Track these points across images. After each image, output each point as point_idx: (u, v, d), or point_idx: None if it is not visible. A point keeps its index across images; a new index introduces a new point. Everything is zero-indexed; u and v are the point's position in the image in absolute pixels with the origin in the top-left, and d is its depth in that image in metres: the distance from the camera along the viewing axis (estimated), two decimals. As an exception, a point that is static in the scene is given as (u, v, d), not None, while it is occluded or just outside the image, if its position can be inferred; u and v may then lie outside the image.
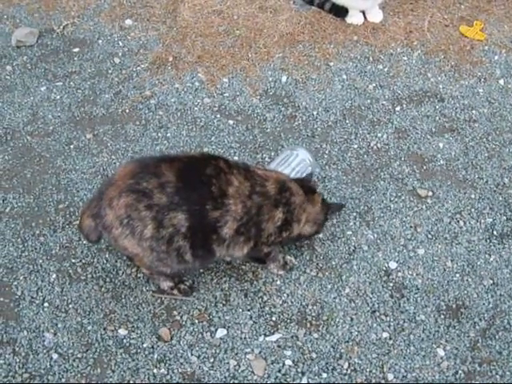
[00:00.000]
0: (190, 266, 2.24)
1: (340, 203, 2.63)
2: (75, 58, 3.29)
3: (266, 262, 2.40)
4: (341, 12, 3.48)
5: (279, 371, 2.22)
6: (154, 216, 2.08)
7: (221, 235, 2.17)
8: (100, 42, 3.38)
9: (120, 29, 3.45)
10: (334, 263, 2.50)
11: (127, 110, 3.04)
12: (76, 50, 3.34)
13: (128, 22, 3.49)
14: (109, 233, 2.14)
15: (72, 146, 2.89)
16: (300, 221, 2.34)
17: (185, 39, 3.38)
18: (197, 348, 2.27)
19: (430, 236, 2.59)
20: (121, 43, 3.37)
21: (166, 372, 2.21)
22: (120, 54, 3.31)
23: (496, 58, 3.32)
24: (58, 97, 3.10)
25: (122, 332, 2.29)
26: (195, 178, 2.14)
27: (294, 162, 2.63)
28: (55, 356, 2.23)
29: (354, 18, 3.47)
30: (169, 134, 2.94)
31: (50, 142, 2.90)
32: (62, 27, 3.45)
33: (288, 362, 2.24)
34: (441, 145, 2.92)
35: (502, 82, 3.21)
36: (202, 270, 2.44)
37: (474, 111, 3.07)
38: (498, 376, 2.23)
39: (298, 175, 2.57)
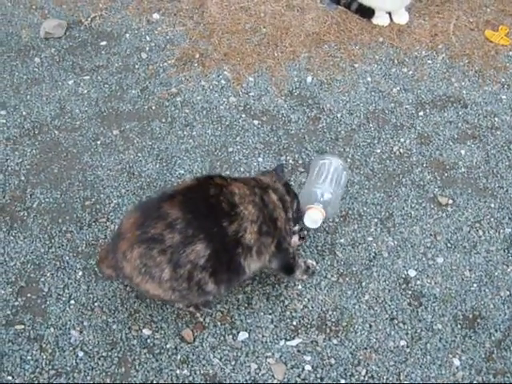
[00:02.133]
0: (214, 295, 2.28)
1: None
2: (103, 52, 3.33)
3: (295, 271, 2.44)
4: (367, 13, 3.49)
5: (299, 376, 2.28)
6: (169, 258, 2.11)
7: (245, 244, 2.20)
8: (127, 35, 3.41)
9: (147, 23, 3.48)
10: (354, 269, 2.55)
11: (153, 107, 3.08)
12: (103, 43, 3.38)
13: (155, 16, 3.51)
14: (130, 281, 2.20)
15: (99, 142, 2.93)
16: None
17: (211, 35, 3.41)
18: (219, 350, 2.32)
19: (449, 245, 2.63)
20: (148, 38, 3.41)
21: (188, 373, 2.27)
22: (147, 49, 3.35)
23: (520, 64, 3.34)
24: (86, 91, 3.14)
25: (146, 332, 2.35)
26: (202, 203, 2.17)
27: (331, 171, 2.66)
28: (81, 354, 2.29)
29: (380, 19, 3.48)
30: (194, 133, 2.98)
31: (76, 137, 2.95)
32: (89, 19, 3.48)
33: (307, 367, 2.30)
34: (462, 152, 2.95)
35: (525, 88, 3.23)
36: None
37: (496, 118, 3.09)
38: (512, 388, 2.28)
39: (337, 183, 2.63)
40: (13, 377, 2.24)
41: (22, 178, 2.78)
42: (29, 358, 2.28)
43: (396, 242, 2.63)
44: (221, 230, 2.15)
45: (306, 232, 2.58)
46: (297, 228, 2.54)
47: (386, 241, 2.63)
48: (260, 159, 2.87)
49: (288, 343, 2.35)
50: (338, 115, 3.07)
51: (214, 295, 2.30)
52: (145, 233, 2.12)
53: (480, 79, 3.26)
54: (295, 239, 2.54)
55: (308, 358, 2.32)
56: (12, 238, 2.59)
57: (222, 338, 2.35)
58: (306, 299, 2.45)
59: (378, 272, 2.54)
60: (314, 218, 2.54)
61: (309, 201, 2.57)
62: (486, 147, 2.98)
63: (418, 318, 2.43)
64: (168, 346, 2.33)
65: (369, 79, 3.24)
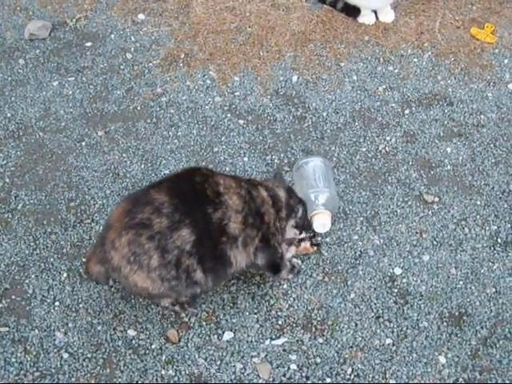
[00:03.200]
0: (202, 287, 2.27)
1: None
2: (88, 53, 3.32)
3: (281, 270, 2.44)
4: (353, 11, 3.49)
5: (284, 375, 2.27)
6: (157, 244, 2.12)
7: (230, 233, 2.21)
8: (112, 36, 3.41)
9: (132, 23, 3.47)
10: (340, 268, 2.54)
11: (138, 108, 3.07)
12: (88, 44, 3.37)
13: (140, 16, 3.51)
14: (118, 273, 2.19)
15: (84, 143, 2.92)
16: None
17: (197, 35, 3.40)
18: (204, 350, 2.32)
19: (435, 242, 2.63)
20: (133, 38, 3.40)
21: (173, 373, 2.26)
22: (132, 50, 3.34)
23: (506, 61, 3.34)
24: (70, 92, 3.13)
25: (131, 333, 2.34)
26: (188, 189, 2.19)
27: (316, 170, 2.66)
28: (66, 355, 2.29)
29: (366, 18, 3.48)
30: (179, 133, 2.97)
31: (61, 139, 2.94)
32: (74, 20, 3.47)
33: (293, 367, 2.29)
34: (448, 150, 2.95)
35: (511, 86, 3.23)
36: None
37: (482, 116, 3.09)
38: (497, 385, 2.28)
39: (327, 180, 2.64)
40: (-3, 379, 2.23)
41: (7, 180, 2.77)
42: (13, 360, 2.27)
43: (382, 241, 2.63)
44: (205, 216, 2.16)
45: (319, 238, 2.57)
46: (306, 235, 2.53)
47: (372, 239, 2.63)
48: (245, 159, 2.87)
49: (273, 342, 2.34)
50: (324, 114, 3.07)
51: (202, 287, 2.27)
52: (133, 218, 2.13)
53: (466, 77, 3.27)
54: (307, 245, 2.54)
55: (293, 357, 2.31)
56: (-4, 239, 2.58)
57: (207, 337, 2.35)
58: (291, 298, 2.45)
59: (363, 270, 2.54)
60: (322, 222, 2.55)
61: (310, 208, 2.57)
62: (472, 145, 2.98)
63: (404, 316, 2.42)
64: (153, 346, 2.32)
65: (354, 78, 3.24)
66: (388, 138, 2.98)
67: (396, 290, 2.49)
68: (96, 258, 2.23)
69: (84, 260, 2.40)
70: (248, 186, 2.31)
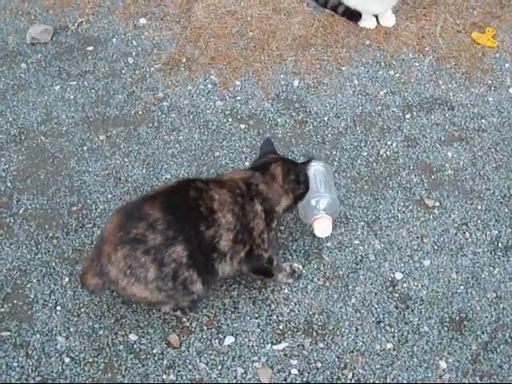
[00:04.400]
0: (199, 295, 2.31)
1: (308, 159, 2.54)
2: (89, 57, 3.33)
3: (274, 274, 2.45)
4: (354, 16, 3.50)
5: (285, 380, 2.28)
6: (154, 258, 2.14)
7: (220, 250, 2.24)
8: (114, 40, 3.41)
9: (134, 27, 3.48)
10: (341, 272, 2.55)
11: (140, 112, 3.08)
12: (90, 48, 3.37)
13: (142, 20, 3.51)
14: (116, 285, 2.21)
15: (85, 148, 2.93)
16: (280, 202, 2.39)
17: (198, 40, 3.41)
18: (205, 355, 2.32)
19: (435, 247, 2.63)
20: (135, 42, 3.40)
21: (174, 378, 2.27)
22: (134, 54, 3.34)
23: (507, 65, 3.34)
24: (72, 96, 3.14)
25: (133, 337, 2.35)
26: (182, 205, 2.20)
27: (322, 175, 2.65)
28: (67, 360, 2.29)
29: (367, 22, 3.49)
30: (181, 137, 2.98)
31: (63, 143, 2.94)
32: (76, 24, 3.48)
33: (294, 371, 2.30)
34: (449, 154, 2.95)
35: (511, 90, 3.23)
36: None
37: (483, 120, 3.10)
38: (498, 390, 2.28)
39: (327, 184, 2.63)
40: (-2, 384, 2.24)
41: (9, 184, 2.78)
42: (15, 364, 2.28)
43: (383, 245, 2.63)
44: (197, 234, 2.18)
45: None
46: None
47: (373, 244, 2.63)
48: (247, 163, 2.87)
49: (274, 347, 2.35)
50: (325, 118, 3.07)
51: (199, 296, 2.31)
52: (127, 233, 2.14)
53: (467, 81, 3.27)
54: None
55: (294, 361, 2.32)
56: (-2, 244, 2.59)
57: (208, 342, 2.35)
58: (292, 303, 2.45)
59: (364, 275, 2.54)
60: (323, 226, 2.54)
61: (311, 213, 2.57)
62: (473, 149, 2.98)
63: (405, 320, 2.43)
64: (154, 351, 2.32)
65: (356, 82, 3.24)
66: (389, 143, 2.99)
67: (397, 295, 2.49)
68: (93, 271, 2.23)
69: (80, 272, 2.39)
70: (243, 201, 2.29)
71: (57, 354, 2.30)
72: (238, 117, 3.07)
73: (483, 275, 2.56)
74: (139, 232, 2.13)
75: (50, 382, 2.24)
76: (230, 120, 3.05)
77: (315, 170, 2.67)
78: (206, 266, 2.23)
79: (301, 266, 2.53)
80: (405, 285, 2.52)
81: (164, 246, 2.14)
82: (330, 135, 3.01)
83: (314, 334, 2.39)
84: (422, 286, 2.52)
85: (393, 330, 2.40)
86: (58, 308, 2.41)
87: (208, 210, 2.20)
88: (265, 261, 2.39)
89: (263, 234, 2.34)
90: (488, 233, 2.69)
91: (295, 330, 2.39)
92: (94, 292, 2.31)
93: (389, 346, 2.37)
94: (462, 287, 2.52)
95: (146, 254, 2.13)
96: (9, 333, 2.35)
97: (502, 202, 2.78)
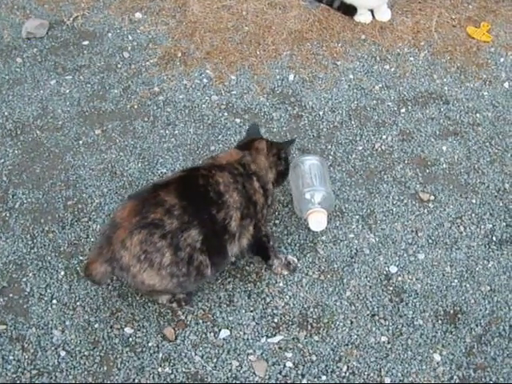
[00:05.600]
0: (207, 280, 2.38)
1: (290, 140, 2.68)
2: (85, 51, 3.33)
3: (270, 256, 2.47)
4: (349, 10, 3.50)
5: (280, 373, 2.29)
6: (170, 243, 2.17)
7: (231, 231, 2.30)
8: (110, 35, 3.41)
9: (129, 22, 3.48)
10: (335, 266, 2.56)
11: (136, 106, 3.08)
12: (86, 42, 3.38)
13: (138, 15, 3.51)
14: (127, 272, 2.20)
15: (81, 142, 2.93)
16: (268, 177, 2.47)
17: (194, 34, 3.41)
18: (200, 348, 2.33)
19: (430, 241, 2.64)
20: (130, 37, 3.41)
21: (170, 371, 2.28)
22: (129, 48, 3.35)
23: (502, 60, 3.35)
24: (68, 91, 3.14)
25: (128, 330, 2.36)
26: (193, 192, 2.26)
27: (313, 169, 2.67)
28: (63, 353, 2.30)
29: (363, 17, 3.49)
30: (176, 132, 2.98)
31: (59, 137, 2.95)
32: (72, 19, 3.48)
33: (289, 364, 2.31)
34: (444, 148, 2.96)
35: (506, 85, 3.24)
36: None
37: (478, 114, 3.11)
38: (491, 382, 2.29)
39: (323, 179, 2.65)
40: (-6, 377, 2.25)
41: (4, 179, 2.78)
42: (11, 357, 2.29)
43: (377, 239, 2.64)
44: (211, 218, 2.25)
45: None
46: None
47: (368, 237, 2.64)
48: (242, 157, 2.88)
49: (269, 340, 2.36)
50: (320, 113, 3.08)
51: (207, 280, 2.38)
52: (144, 218, 2.17)
53: (462, 76, 3.28)
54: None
55: (289, 354, 2.33)
56: (-6, 238, 2.60)
57: (203, 335, 2.36)
58: (287, 296, 2.46)
59: (359, 269, 2.55)
60: (318, 220, 2.55)
61: (305, 207, 2.58)
62: (468, 143, 2.99)
63: (399, 313, 2.44)
64: (150, 344, 2.33)
65: (351, 76, 3.25)
66: (384, 137, 2.99)
67: (391, 288, 2.50)
68: (102, 258, 2.21)
69: (85, 260, 2.39)
70: (243, 179, 2.37)
71: (53, 348, 2.31)
72: (234, 111, 3.08)
73: (477, 268, 2.57)
74: (157, 217, 2.17)
75: (46, 375, 2.25)
76: (225, 114, 3.06)
77: (310, 163, 2.68)
78: (217, 249, 2.29)
79: (296, 259, 2.54)
80: (399, 278, 2.53)
81: (180, 231, 2.18)
82: (325, 129, 3.02)
83: (309, 327, 2.40)
84: (416, 279, 2.53)
85: (387, 323, 2.41)
86: (54, 302, 2.42)
87: (217, 194, 2.27)
88: (263, 233, 2.45)
89: (263, 210, 2.42)
90: (482, 226, 2.70)
91: (290, 323, 2.40)
92: (99, 281, 2.28)
93: (383, 339, 2.38)
94: (456, 280, 2.53)
95: (163, 238, 2.16)
96: (5, 326, 2.36)
97: (496, 196, 2.79)
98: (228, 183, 2.31)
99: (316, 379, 2.28)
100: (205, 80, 3.21)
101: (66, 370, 2.26)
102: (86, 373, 2.26)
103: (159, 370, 2.28)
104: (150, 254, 2.16)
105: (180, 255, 2.19)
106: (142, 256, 2.16)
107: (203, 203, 2.25)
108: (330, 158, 2.90)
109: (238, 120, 3.03)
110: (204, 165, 2.43)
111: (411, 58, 3.35)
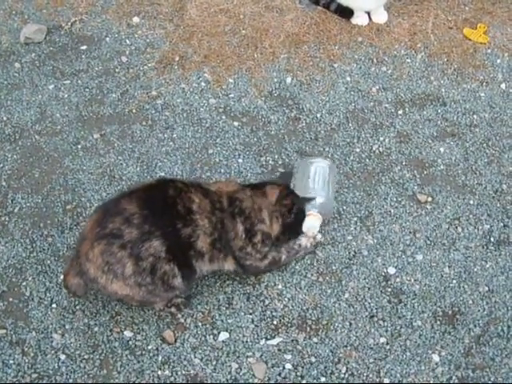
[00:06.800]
0: (179, 290, 2.32)
1: (311, 197, 2.58)
2: (83, 56, 3.34)
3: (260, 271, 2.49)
4: (346, 13, 3.51)
5: (279, 375, 2.30)
6: (130, 253, 2.15)
7: (197, 249, 2.26)
8: (107, 39, 3.43)
9: (127, 26, 3.49)
10: (334, 268, 2.57)
11: (134, 110, 3.10)
12: (84, 47, 3.39)
13: (135, 19, 3.53)
14: (96, 284, 2.22)
15: (79, 146, 2.95)
16: (264, 220, 2.41)
17: (191, 38, 3.42)
18: (200, 350, 2.34)
19: (428, 242, 2.65)
20: (128, 41, 3.42)
21: (169, 374, 2.29)
22: (127, 53, 3.36)
23: (498, 61, 3.36)
24: (66, 95, 3.15)
25: (128, 334, 2.37)
26: (159, 202, 2.22)
27: (321, 172, 2.68)
28: (63, 357, 2.31)
29: (359, 19, 3.51)
30: (175, 135, 3.00)
31: (57, 142, 2.96)
32: (69, 24, 3.49)
33: (288, 366, 2.32)
34: (442, 149, 2.97)
35: (503, 86, 3.25)
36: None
37: (475, 116, 3.12)
38: (490, 382, 2.29)
39: (328, 184, 2.66)
40: (-5, 381, 2.25)
41: (3, 183, 2.79)
42: (11, 361, 2.29)
43: (375, 240, 2.65)
44: (174, 230, 2.20)
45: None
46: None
47: (366, 239, 2.65)
48: (240, 160, 2.89)
49: (268, 342, 2.36)
50: (318, 115, 3.09)
51: (180, 291, 2.33)
52: (104, 228, 2.16)
53: (459, 77, 3.29)
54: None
55: (288, 356, 2.34)
56: (-7, 243, 2.61)
57: (202, 338, 2.37)
58: (286, 298, 2.47)
59: (357, 270, 2.56)
60: (311, 223, 2.56)
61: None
62: (465, 145, 3.00)
63: (398, 315, 2.45)
64: (149, 347, 2.34)
65: (348, 79, 3.26)
66: (382, 139, 3.01)
67: (390, 290, 2.51)
68: (73, 271, 2.25)
69: (63, 275, 2.39)
70: (222, 216, 2.30)
71: (53, 351, 2.32)
72: (232, 114, 3.09)
73: (475, 269, 2.58)
74: (115, 227, 2.15)
75: (46, 378, 2.26)
76: (223, 117, 3.07)
77: (317, 166, 2.69)
78: (184, 262, 2.26)
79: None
80: (398, 279, 2.54)
81: (140, 241, 2.15)
82: (322, 132, 3.03)
83: (308, 328, 2.41)
84: (414, 280, 2.54)
85: (386, 324, 2.42)
86: (54, 306, 2.43)
87: (186, 210, 2.22)
88: (263, 268, 2.46)
89: (246, 249, 2.38)
90: (480, 227, 2.70)
91: (289, 325, 2.41)
92: (77, 294, 2.32)
93: (382, 340, 2.39)
94: (454, 281, 2.54)
95: (122, 248, 2.15)
96: (5, 330, 2.36)
97: (493, 197, 2.80)
98: (203, 209, 2.26)
99: (315, 381, 2.28)
100: (203, 83, 3.22)
101: (66, 374, 2.27)
102: (85, 376, 2.27)
103: (159, 372, 2.29)
104: (112, 265, 2.16)
105: (142, 265, 2.17)
106: (105, 267, 2.17)
107: (168, 215, 2.21)
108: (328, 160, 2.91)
109: (236, 123, 3.05)
110: (190, 181, 2.38)
111: (408, 60, 3.36)
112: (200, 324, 2.40)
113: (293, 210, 2.47)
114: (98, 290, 2.35)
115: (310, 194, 2.60)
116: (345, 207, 2.75)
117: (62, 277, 2.43)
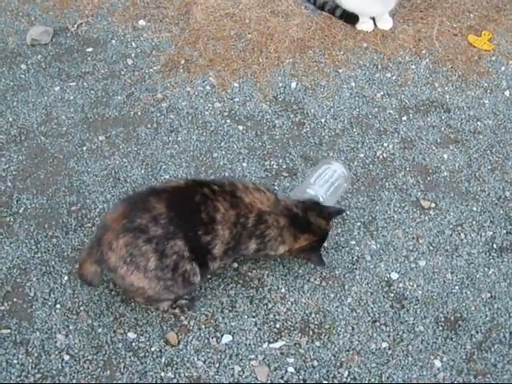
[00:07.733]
0: (195, 287, 2.40)
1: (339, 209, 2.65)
2: (89, 58, 3.35)
3: None
4: (351, 18, 3.52)
5: (282, 378, 2.31)
6: (155, 248, 2.20)
7: (213, 254, 2.32)
8: (113, 42, 3.44)
9: (133, 29, 3.51)
10: (337, 272, 2.58)
11: (139, 113, 3.11)
12: (90, 49, 3.40)
13: (141, 22, 3.54)
14: (115, 273, 2.26)
15: (85, 148, 2.96)
16: (278, 248, 2.45)
17: (197, 42, 3.44)
18: (203, 353, 2.35)
19: (431, 248, 2.66)
20: (134, 44, 3.43)
21: (172, 376, 2.30)
22: (133, 55, 3.37)
23: (503, 68, 3.37)
24: (72, 97, 3.17)
25: (131, 335, 2.38)
26: (185, 206, 2.27)
27: (333, 178, 2.71)
28: (67, 357, 2.32)
29: (365, 25, 3.52)
30: (179, 138, 3.01)
31: (63, 143, 2.97)
32: (76, 26, 3.50)
33: (290, 370, 2.33)
34: (445, 156, 2.98)
35: (507, 93, 3.26)
36: (209, 276, 2.50)
37: (479, 122, 3.13)
38: (492, 388, 2.31)
39: (333, 191, 2.69)
40: (-2, 381, 2.26)
41: (9, 184, 2.80)
42: (15, 361, 2.30)
43: (379, 246, 2.66)
44: (195, 236, 2.25)
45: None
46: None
47: (369, 244, 2.66)
48: (244, 164, 2.90)
49: (271, 346, 2.37)
50: (322, 120, 3.10)
51: (196, 287, 2.41)
52: (131, 222, 2.20)
53: (463, 84, 3.30)
54: None
55: (291, 360, 2.35)
56: (-2, 243, 2.62)
57: (206, 340, 2.38)
58: (289, 302, 2.48)
59: (360, 275, 2.57)
60: None
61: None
62: (469, 151, 3.01)
63: (400, 320, 2.46)
64: (153, 349, 2.35)
65: (353, 84, 3.27)
66: (386, 145, 3.02)
67: (392, 295, 2.52)
68: (92, 258, 2.27)
69: (78, 263, 2.41)
70: (243, 232, 2.34)
71: (56, 352, 2.33)
72: (236, 118, 3.10)
73: (478, 275, 2.59)
74: (143, 223, 2.20)
75: (49, 378, 2.27)
76: (228, 121, 3.08)
77: (328, 167, 2.75)
78: (201, 262, 2.31)
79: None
80: (400, 285, 2.55)
81: (165, 238, 2.21)
82: (327, 137, 3.04)
83: (311, 332, 2.42)
84: (417, 286, 2.55)
85: (388, 329, 2.43)
86: (58, 306, 2.44)
87: (209, 218, 2.27)
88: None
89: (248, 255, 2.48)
90: (483, 234, 2.71)
91: (292, 328, 2.42)
92: (91, 282, 2.34)
93: (384, 345, 2.39)
94: (456, 287, 2.55)
95: (147, 242, 2.20)
96: (9, 330, 2.37)
97: (496, 204, 2.81)
98: (227, 220, 2.30)
99: (317, 384, 2.30)
100: (208, 87, 3.23)
101: (70, 374, 2.28)
102: (89, 377, 2.28)
103: (162, 374, 2.30)
104: (135, 258, 2.20)
105: (165, 261, 2.22)
106: (127, 258, 2.20)
107: (191, 220, 2.26)
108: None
109: (240, 127, 3.06)
110: (221, 183, 2.38)
111: (413, 66, 3.37)
112: (203, 326, 2.41)
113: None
114: (112, 280, 2.39)
115: (308, 187, 2.65)
116: (348, 212, 2.76)
117: (76, 266, 2.45)
